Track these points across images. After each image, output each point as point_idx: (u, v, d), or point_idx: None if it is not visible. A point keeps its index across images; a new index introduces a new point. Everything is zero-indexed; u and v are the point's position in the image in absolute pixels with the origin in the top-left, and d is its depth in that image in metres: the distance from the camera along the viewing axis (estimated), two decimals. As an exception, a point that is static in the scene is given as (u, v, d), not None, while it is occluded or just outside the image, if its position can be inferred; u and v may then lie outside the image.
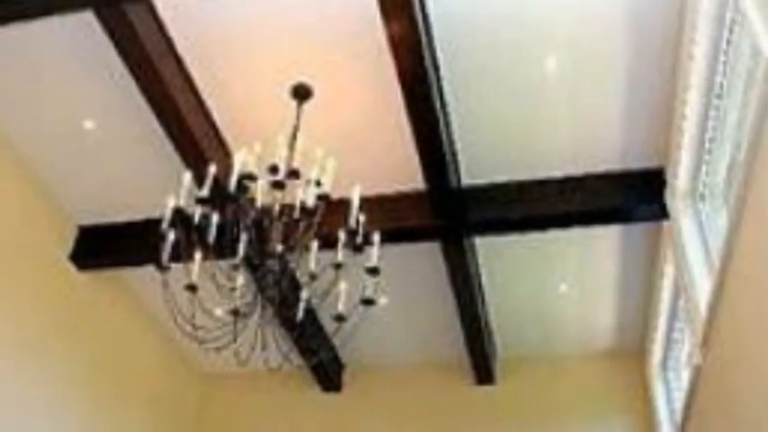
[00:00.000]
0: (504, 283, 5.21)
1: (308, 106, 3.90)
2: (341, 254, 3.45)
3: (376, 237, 3.54)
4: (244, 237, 3.44)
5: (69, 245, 4.91)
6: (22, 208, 4.58)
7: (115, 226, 4.90)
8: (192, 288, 3.34)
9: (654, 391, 5.31)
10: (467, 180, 4.48)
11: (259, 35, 3.78)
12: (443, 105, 3.98)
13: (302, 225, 3.44)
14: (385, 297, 3.65)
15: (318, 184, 3.41)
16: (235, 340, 3.46)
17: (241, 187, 3.41)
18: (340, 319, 3.54)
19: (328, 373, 5.83)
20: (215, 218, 3.50)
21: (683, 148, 3.87)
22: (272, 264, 3.45)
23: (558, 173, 4.41)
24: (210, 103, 4.13)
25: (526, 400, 5.63)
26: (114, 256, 4.96)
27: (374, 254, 3.49)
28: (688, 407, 4.09)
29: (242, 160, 3.39)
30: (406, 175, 4.41)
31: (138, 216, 4.77)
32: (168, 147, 4.20)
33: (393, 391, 5.89)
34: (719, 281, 3.30)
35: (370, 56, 3.78)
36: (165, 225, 3.33)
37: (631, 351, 5.64)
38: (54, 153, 4.52)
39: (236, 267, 3.47)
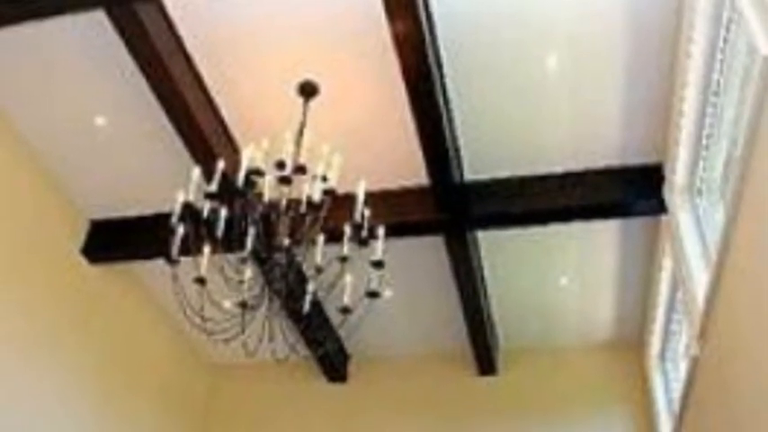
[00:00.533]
0: (506, 275, 5.23)
1: (314, 103, 3.92)
2: (346, 247, 3.48)
3: (381, 231, 3.56)
4: (251, 231, 3.47)
5: (81, 238, 4.94)
6: (35, 202, 4.62)
7: (126, 220, 4.93)
8: (200, 281, 3.37)
9: (652, 381, 5.32)
10: (469, 175, 4.50)
11: (266, 34, 3.81)
12: (446, 102, 4.00)
13: (308, 219, 3.46)
14: (389, 290, 3.68)
15: (324, 179, 3.43)
16: (243, 332, 3.50)
17: (249, 182, 3.45)
18: (345, 311, 3.56)
19: (334, 363, 5.86)
20: (223, 212, 3.53)
21: (680, 144, 3.89)
22: (280, 257, 3.48)
23: (558, 168, 4.43)
24: (219, 100, 4.16)
25: (527, 390, 5.64)
26: (125, 249, 4.98)
27: (379, 247, 3.51)
28: (686, 397, 4.10)
29: (250, 156, 3.42)
30: (410, 170, 4.43)
31: (148, 210, 4.80)
32: (178, 143, 4.23)
33: (397, 381, 5.91)
34: (716, 274, 3.32)
35: (375, 54, 3.81)
36: (174, 219, 3.36)
37: (630, 342, 5.65)
38: (66, 149, 4.56)
39: (243, 261, 3.51)
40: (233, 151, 4.22)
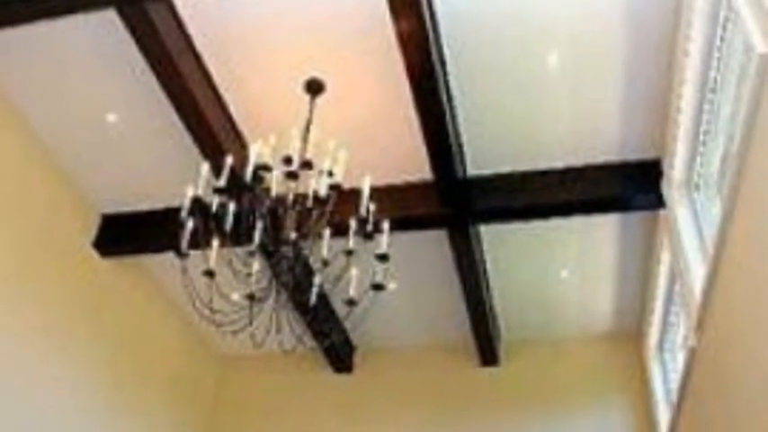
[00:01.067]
0: (508, 268, 5.27)
1: (320, 100, 3.95)
2: (352, 241, 3.52)
3: (385, 225, 3.59)
4: (259, 225, 3.50)
5: (93, 232, 4.98)
6: (47, 198, 4.67)
7: (137, 214, 4.96)
8: (209, 274, 3.40)
9: (651, 372, 5.35)
10: (472, 170, 4.53)
11: (274, 32, 3.85)
12: (450, 99, 4.03)
13: (315, 213, 3.49)
14: (394, 282, 3.67)
15: (330, 174, 3.45)
16: (251, 323, 3.53)
17: (256, 177, 3.47)
18: (351, 303, 3.59)
19: (340, 354, 5.90)
20: (232, 207, 3.56)
21: (678, 140, 3.91)
22: (287, 250, 3.51)
23: (559, 164, 4.46)
24: (227, 97, 4.19)
25: (529, 380, 5.68)
26: (136, 243, 5.02)
27: (384, 241, 3.55)
28: (683, 387, 4.13)
29: (257, 152, 3.45)
30: (414, 165, 4.47)
31: (158, 205, 4.84)
32: (187, 139, 4.27)
33: (402, 372, 5.95)
34: (713, 267, 3.36)
35: (380, 52, 3.85)
36: (184, 213, 3.39)
37: (629, 334, 5.68)
38: (78, 145, 4.60)
39: (251, 254, 3.54)
40: (241, 147, 4.26)
